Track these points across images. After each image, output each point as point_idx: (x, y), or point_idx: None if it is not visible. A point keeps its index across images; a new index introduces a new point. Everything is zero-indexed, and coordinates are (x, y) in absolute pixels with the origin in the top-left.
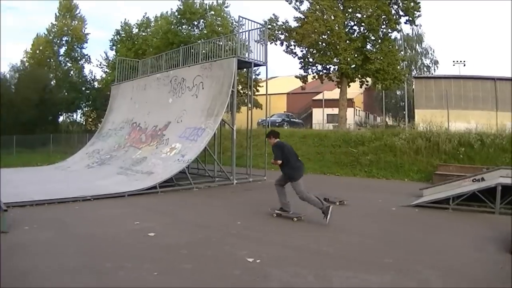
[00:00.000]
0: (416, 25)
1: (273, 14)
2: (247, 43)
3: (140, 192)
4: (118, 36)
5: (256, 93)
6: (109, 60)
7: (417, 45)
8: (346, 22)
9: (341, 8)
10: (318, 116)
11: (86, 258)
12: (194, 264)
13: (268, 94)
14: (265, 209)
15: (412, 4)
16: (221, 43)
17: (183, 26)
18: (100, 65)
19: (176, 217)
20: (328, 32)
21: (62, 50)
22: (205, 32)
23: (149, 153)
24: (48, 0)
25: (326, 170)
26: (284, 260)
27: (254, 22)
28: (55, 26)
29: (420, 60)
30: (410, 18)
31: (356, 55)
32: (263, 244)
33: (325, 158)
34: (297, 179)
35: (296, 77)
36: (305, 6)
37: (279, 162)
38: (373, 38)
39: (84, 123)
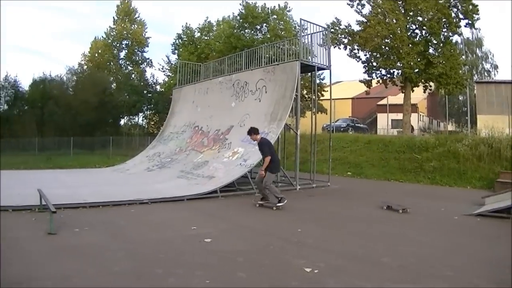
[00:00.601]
0: (476, 29)
1: (336, 18)
2: (310, 47)
3: (200, 196)
4: (179, 40)
5: (321, 98)
6: (171, 64)
7: (477, 49)
8: (407, 26)
9: (402, 11)
10: (383, 121)
11: (136, 263)
12: (249, 273)
13: (333, 99)
14: (327, 216)
15: (470, 7)
16: (284, 47)
17: (246, 30)
18: (162, 68)
19: (235, 222)
20: (391, 35)
21: (122, 54)
22: (268, 36)
23: (211, 157)
24: (104, 1)
25: (390, 177)
26: (342, 270)
27: (317, 25)
28: (114, 30)
29: (480, 65)
30: (470, 21)
31: (419, 59)
32: (322, 253)
33: (389, 164)
34: (274, 172)
35: (360, 81)
36: (367, 9)
37: (269, 158)
38: (435, 41)
39: (146, 126)
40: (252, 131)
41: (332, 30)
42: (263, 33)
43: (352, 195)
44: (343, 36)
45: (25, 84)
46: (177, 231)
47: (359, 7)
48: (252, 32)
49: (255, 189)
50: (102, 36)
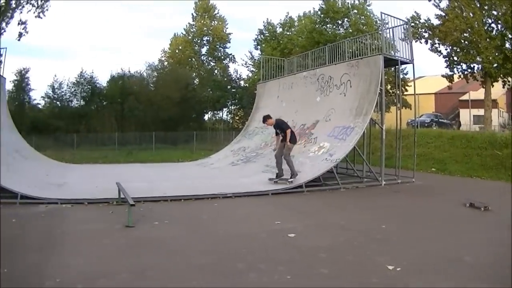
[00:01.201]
0: None
1: (415, 12)
2: (392, 41)
3: (285, 191)
4: (262, 36)
5: (405, 93)
6: (254, 59)
7: None
8: (484, 20)
9: (478, 5)
10: (465, 116)
11: (216, 258)
12: (331, 269)
13: (416, 94)
14: (410, 212)
15: None
16: (366, 41)
17: (328, 25)
18: (245, 64)
19: (319, 218)
20: (469, 29)
21: (204, 50)
22: (350, 31)
23: (297, 152)
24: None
25: (473, 173)
26: (424, 269)
27: (397, 19)
28: (193, 26)
29: None
30: None
31: (496, 54)
32: (405, 250)
33: (472, 161)
34: (293, 143)
35: (443, 76)
36: (444, 3)
37: (289, 131)
38: (510, 36)
39: (230, 121)
40: (265, 118)
41: (412, 24)
42: (345, 28)
43: (436, 191)
44: (423, 30)
45: (102, 80)
46: (260, 225)
47: (437, 0)
48: (334, 27)
49: (340, 184)
50: (182, 33)
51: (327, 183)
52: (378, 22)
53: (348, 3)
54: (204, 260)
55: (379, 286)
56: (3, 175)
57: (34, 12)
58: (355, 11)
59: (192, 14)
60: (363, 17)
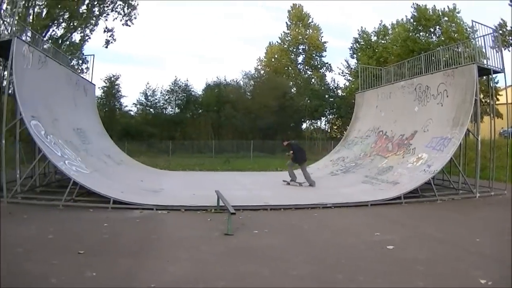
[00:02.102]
0: None
1: (501, 19)
2: (483, 49)
3: (384, 202)
4: (357, 44)
5: (496, 102)
6: (351, 68)
7: None
8: None
9: None
10: None
11: (316, 267)
12: (426, 282)
13: (502, 104)
14: (503, 226)
15: None
16: (459, 50)
17: (420, 33)
18: (342, 73)
19: (417, 230)
20: None
21: (299, 59)
22: (442, 38)
23: (396, 163)
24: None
25: None
26: None
27: (487, 27)
28: (288, 35)
29: None
30: None
31: None
32: (499, 265)
33: None
34: (297, 162)
35: None
36: None
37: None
38: None
39: (328, 131)
40: (284, 140)
41: (500, 31)
42: (437, 35)
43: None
44: (510, 37)
45: (197, 88)
46: (359, 236)
47: None
48: (427, 34)
49: (437, 196)
50: (277, 42)
51: (424, 194)
52: (468, 29)
53: (438, 10)
54: (303, 270)
55: None
56: (95, 180)
57: (121, 20)
58: (446, 18)
59: (286, 22)
60: (453, 24)
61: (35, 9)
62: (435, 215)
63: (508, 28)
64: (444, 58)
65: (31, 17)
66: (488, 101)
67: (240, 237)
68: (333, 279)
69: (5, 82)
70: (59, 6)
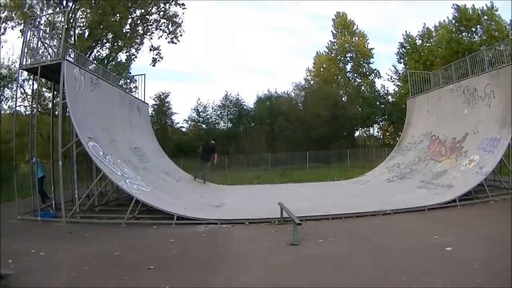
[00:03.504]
0: None
1: None
2: None
3: (440, 206)
4: (403, 49)
5: None
6: (399, 73)
7: None
8: None
9: None
10: None
11: (381, 271)
12: (484, 279)
13: None
14: None
15: None
16: (501, 48)
17: (463, 34)
18: (390, 78)
19: (473, 231)
20: None
21: (348, 67)
22: (484, 38)
23: (449, 166)
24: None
25: None
26: None
27: None
28: (335, 44)
29: None
30: None
31: None
32: None
33: None
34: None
35: None
36: None
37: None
38: None
39: (381, 137)
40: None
41: None
42: (479, 35)
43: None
44: None
45: (248, 102)
46: (419, 240)
47: None
48: (469, 35)
49: (490, 196)
50: (324, 51)
51: (477, 196)
52: (507, 27)
53: (478, 9)
54: (370, 274)
55: None
56: (157, 198)
57: (166, 38)
58: (486, 17)
59: (331, 31)
60: (493, 22)
61: (76, 31)
62: (489, 215)
63: None
64: (487, 58)
65: (72, 39)
66: None
67: (306, 246)
68: (398, 280)
69: (57, 105)
70: (102, 26)
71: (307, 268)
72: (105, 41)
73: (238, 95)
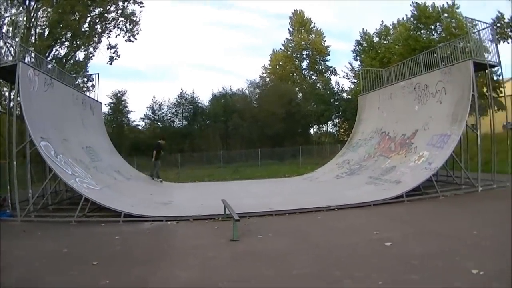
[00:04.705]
0: None
1: (498, 12)
2: (484, 44)
3: (386, 201)
4: (360, 47)
5: (500, 95)
6: (355, 70)
7: None
8: None
9: None
10: None
11: (316, 267)
12: (421, 275)
13: (507, 96)
14: (503, 218)
15: None
16: (460, 45)
17: (422, 31)
18: (346, 76)
19: (417, 226)
20: None
21: (304, 64)
22: (443, 35)
23: (398, 162)
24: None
25: None
26: (508, 274)
27: (482, 22)
28: (292, 41)
29: None
30: None
31: None
32: (494, 255)
33: None
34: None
35: None
36: None
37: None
38: None
39: (336, 134)
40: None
41: (498, 24)
42: (438, 32)
43: None
44: (508, 30)
45: (203, 99)
46: (360, 235)
47: None
48: (428, 32)
49: (439, 192)
50: (281, 48)
51: (427, 191)
52: (469, 24)
53: (438, 7)
54: (305, 269)
55: None
56: (105, 196)
57: (123, 36)
58: (446, 14)
59: (288, 29)
60: (453, 20)
61: (37, 30)
62: (436, 210)
63: (506, 20)
64: (445, 55)
65: (33, 38)
66: (493, 94)
67: (246, 242)
68: (331, 275)
69: (12, 104)
70: (61, 25)
71: (244, 263)
72: (64, 40)
73: (193, 92)
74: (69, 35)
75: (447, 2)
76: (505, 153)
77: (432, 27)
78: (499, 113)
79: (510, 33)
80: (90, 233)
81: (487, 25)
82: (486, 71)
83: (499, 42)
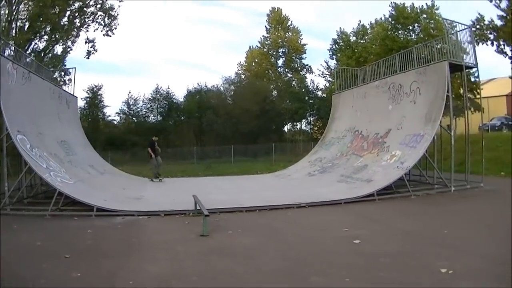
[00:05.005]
0: None
1: (479, 14)
2: (462, 45)
3: (358, 199)
4: (336, 45)
5: (476, 96)
6: (331, 69)
7: None
8: None
9: None
10: None
11: (285, 263)
12: (387, 273)
13: (487, 97)
14: (475, 217)
15: None
16: (437, 46)
17: (399, 32)
18: (322, 74)
19: (387, 225)
20: None
21: (280, 62)
22: (421, 36)
23: (370, 161)
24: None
25: None
26: (477, 272)
27: (460, 23)
28: (268, 39)
29: None
30: None
31: None
32: (463, 254)
33: None
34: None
35: (510, 77)
36: (504, 3)
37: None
38: None
39: (310, 132)
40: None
41: (478, 26)
42: (416, 33)
43: (503, 196)
44: (488, 32)
45: (178, 95)
46: (329, 232)
47: (497, 1)
48: (406, 32)
49: (411, 191)
50: (257, 46)
51: (399, 190)
52: (447, 26)
53: (417, 8)
54: (273, 265)
55: (427, 287)
56: (79, 190)
57: (101, 31)
58: (424, 15)
59: (265, 26)
60: (432, 21)
61: (18, 23)
62: (407, 209)
63: (486, 22)
64: (422, 56)
65: (13, 31)
66: (470, 96)
67: (215, 237)
68: (300, 272)
69: None
70: (41, 19)
71: (212, 258)
72: (43, 33)
73: (168, 88)
74: (48, 28)
75: (426, 3)
76: (480, 154)
77: (410, 27)
78: (477, 114)
79: (489, 35)
80: (63, 227)
81: (466, 27)
82: (461, 72)
83: (478, 44)
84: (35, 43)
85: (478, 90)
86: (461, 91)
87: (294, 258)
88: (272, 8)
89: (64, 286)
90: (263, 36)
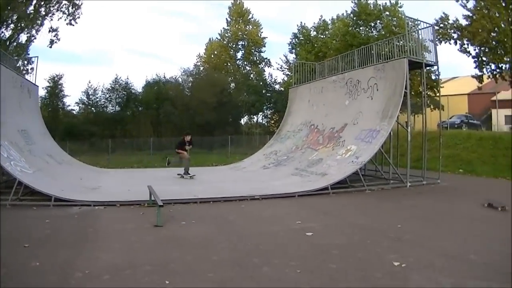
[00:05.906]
0: None
1: (443, 13)
2: (424, 43)
3: (312, 193)
4: (296, 40)
5: (437, 94)
6: (289, 63)
7: None
8: (510, 19)
9: (503, 4)
10: (499, 117)
11: (235, 254)
12: (339, 265)
13: (448, 95)
14: (429, 212)
15: None
16: (399, 43)
17: (361, 28)
18: (280, 68)
19: (339, 218)
20: (496, 29)
21: (239, 54)
22: (383, 33)
23: (325, 155)
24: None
25: (498, 174)
26: (429, 265)
27: (422, 21)
28: (228, 31)
29: None
30: None
31: None
32: (414, 248)
33: (498, 162)
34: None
35: (472, 77)
36: (471, 3)
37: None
38: None
39: (267, 125)
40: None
41: (441, 25)
42: (377, 30)
43: (458, 192)
44: (452, 31)
45: (137, 86)
46: (282, 225)
47: (464, 1)
48: (367, 29)
49: (365, 186)
50: (217, 38)
51: (353, 185)
52: (410, 24)
53: (379, 5)
54: (224, 256)
55: (381, 280)
56: (38, 180)
57: (65, 20)
58: (387, 13)
59: (226, 19)
60: (395, 18)
61: None
62: (361, 203)
63: (450, 21)
64: (383, 52)
65: None
66: (430, 93)
67: (169, 228)
68: (250, 262)
69: None
70: (9, 7)
71: (165, 248)
72: (10, 22)
73: (127, 78)
74: (15, 17)
75: (390, 1)
76: (438, 150)
77: (372, 24)
78: (436, 112)
79: (453, 34)
80: (22, 216)
81: (428, 25)
82: (422, 70)
83: (441, 42)
84: (2, 32)
85: (438, 88)
86: (421, 88)
87: (245, 248)
88: (234, 0)
89: (24, 275)
90: (223, 28)
